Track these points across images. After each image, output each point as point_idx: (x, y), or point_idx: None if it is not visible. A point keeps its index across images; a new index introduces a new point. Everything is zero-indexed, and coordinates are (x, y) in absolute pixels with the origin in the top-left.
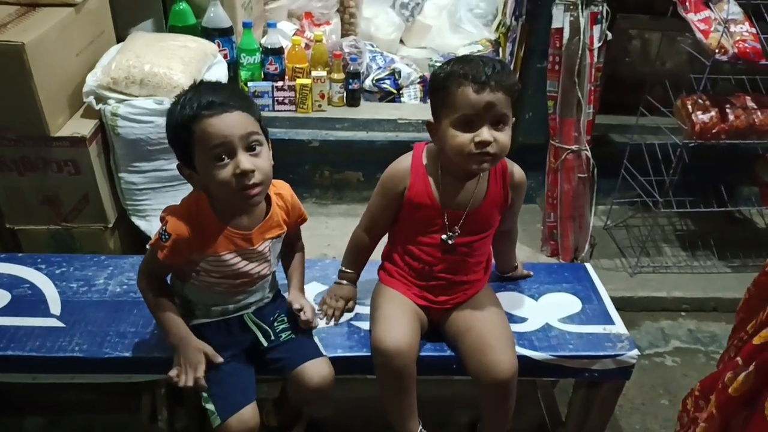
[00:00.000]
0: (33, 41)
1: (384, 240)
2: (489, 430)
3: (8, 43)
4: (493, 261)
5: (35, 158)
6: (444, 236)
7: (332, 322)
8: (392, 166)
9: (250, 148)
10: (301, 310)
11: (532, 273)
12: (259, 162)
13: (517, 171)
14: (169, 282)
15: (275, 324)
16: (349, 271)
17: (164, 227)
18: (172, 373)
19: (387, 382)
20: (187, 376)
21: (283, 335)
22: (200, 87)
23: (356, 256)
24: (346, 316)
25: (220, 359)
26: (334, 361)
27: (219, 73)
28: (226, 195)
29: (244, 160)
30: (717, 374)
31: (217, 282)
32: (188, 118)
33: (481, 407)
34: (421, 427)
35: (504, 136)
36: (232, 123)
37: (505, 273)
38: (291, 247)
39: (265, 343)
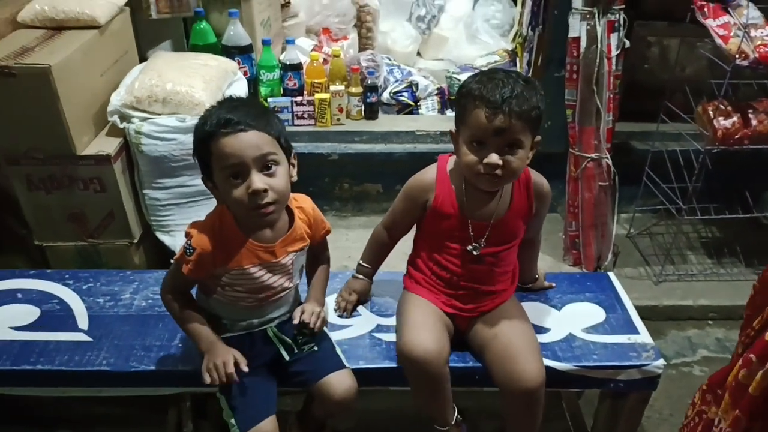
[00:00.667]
0: (59, 63)
1: (409, 247)
2: None
3: (36, 66)
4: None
5: (62, 176)
6: (469, 247)
7: (345, 315)
8: (417, 177)
9: (265, 167)
10: (302, 316)
11: (554, 285)
12: (273, 181)
13: (540, 181)
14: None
15: (298, 337)
16: (366, 265)
17: (189, 242)
18: (206, 377)
19: (419, 387)
20: (219, 374)
21: (306, 347)
22: (223, 103)
23: (375, 251)
24: (367, 321)
25: (246, 368)
26: (356, 372)
27: (239, 90)
28: (240, 212)
29: (257, 180)
30: (726, 369)
31: (241, 296)
32: (207, 135)
33: (507, 420)
34: (456, 414)
35: (516, 160)
36: (246, 143)
37: (526, 284)
38: (316, 258)
39: (287, 357)
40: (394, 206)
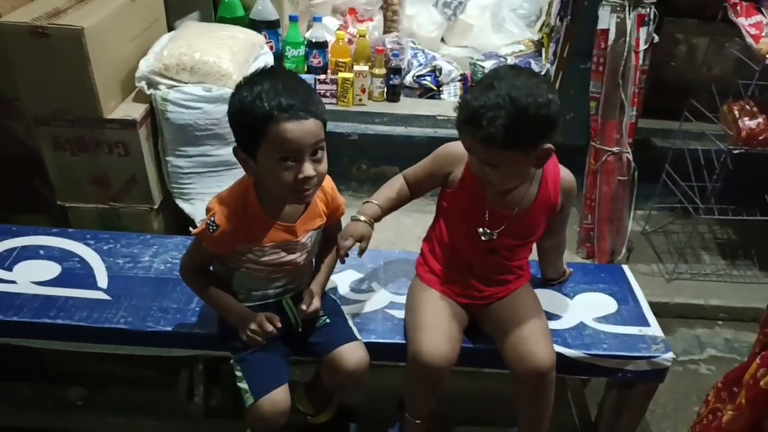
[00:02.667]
0: (91, 26)
1: (423, 230)
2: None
3: (69, 28)
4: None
5: (89, 139)
6: (480, 230)
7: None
8: (451, 144)
9: (315, 153)
10: (309, 305)
11: (572, 270)
12: (320, 167)
13: (568, 177)
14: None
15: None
16: (373, 202)
17: (212, 218)
18: (250, 341)
19: (417, 387)
20: (261, 335)
21: (320, 320)
22: (277, 81)
23: (387, 193)
24: (381, 297)
25: (279, 323)
26: (367, 346)
27: (265, 64)
28: (280, 192)
29: (309, 168)
30: (743, 366)
31: (258, 269)
32: (265, 116)
33: (519, 405)
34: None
35: (497, 173)
36: (306, 131)
37: (553, 281)
38: (328, 239)
39: (300, 329)
40: (420, 163)
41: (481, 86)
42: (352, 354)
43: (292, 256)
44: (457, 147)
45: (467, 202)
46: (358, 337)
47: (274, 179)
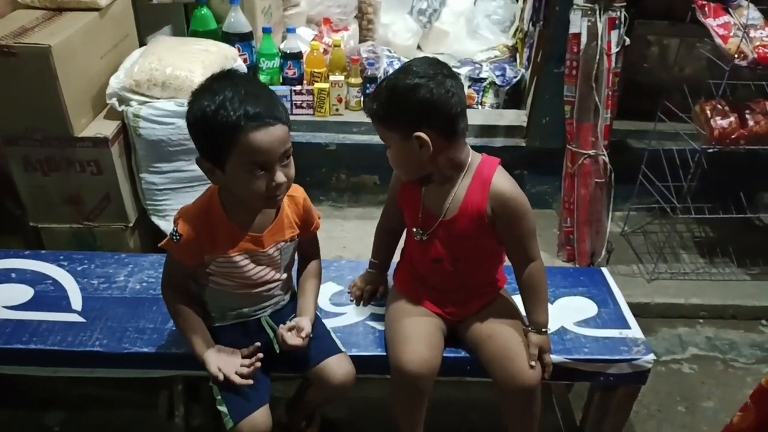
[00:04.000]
0: (59, 44)
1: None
2: None
3: (35, 46)
4: (505, 277)
5: (59, 158)
6: (414, 229)
7: (360, 304)
8: None
9: (284, 159)
10: (294, 339)
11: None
12: (289, 172)
13: (501, 182)
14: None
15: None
16: (374, 260)
17: (175, 228)
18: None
19: (402, 400)
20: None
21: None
22: (239, 87)
23: (377, 245)
24: (361, 310)
25: (260, 356)
26: None
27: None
28: (251, 200)
29: (281, 175)
30: None
31: (230, 284)
32: (231, 125)
33: (507, 419)
34: None
35: (390, 156)
36: (275, 139)
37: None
38: (306, 255)
39: (278, 350)
40: (386, 198)
41: None
42: (339, 366)
43: (259, 269)
44: None
45: (408, 205)
46: (343, 349)
47: (245, 189)
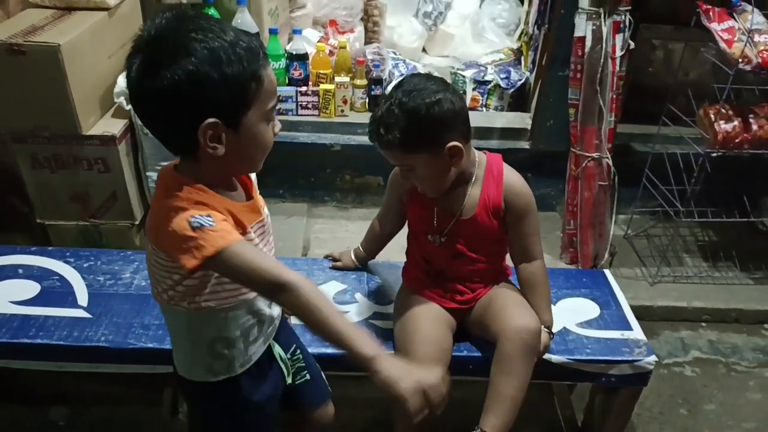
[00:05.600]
0: (68, 43)
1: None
2: (496, 409)
3: (45, 45)
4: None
5: (67, 156)
6: (430, 237)
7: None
8: (395, 169)
9: None
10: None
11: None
12: None
13: (514, 178)
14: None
15: (294, 360)
16: (360, 249)
17: (196, 220)
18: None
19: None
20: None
21: (299, 377)
22: (226, 28)
23: (368, 239)
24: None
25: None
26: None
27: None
28: (256, 161)
29: (277, 120)
30: None
31: (236, 291)
32: (257, 65)
33: (494, 373)
34: None
35: (416, 178)
36: (272, 71)
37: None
38: None
39: (289, 380)
40: (384, 197)
41: (383, 98)
42: (328, 412)
43: (267, 246)
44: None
45: (418, 210)
46: (330, 389)
47: (262, 143)
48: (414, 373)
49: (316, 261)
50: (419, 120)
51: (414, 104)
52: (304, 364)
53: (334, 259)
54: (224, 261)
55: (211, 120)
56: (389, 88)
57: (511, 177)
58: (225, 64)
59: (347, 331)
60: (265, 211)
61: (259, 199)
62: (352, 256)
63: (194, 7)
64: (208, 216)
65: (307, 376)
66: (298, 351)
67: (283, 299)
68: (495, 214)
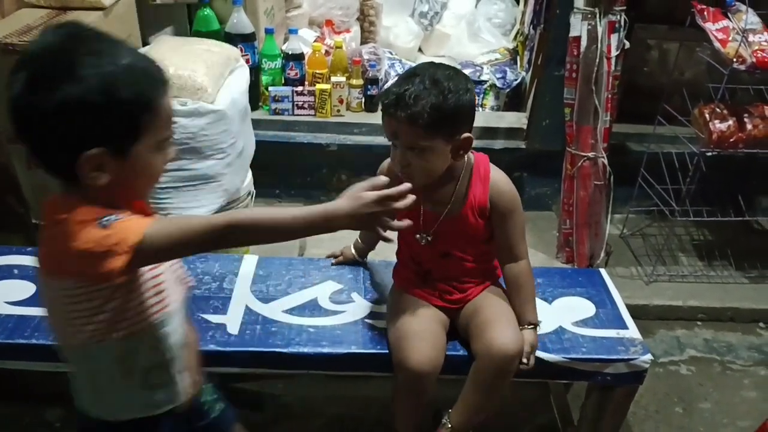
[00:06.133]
0: None
1: None
2: (464, 410)
3: None
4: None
5: None
6: (417, 235)
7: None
8: (384, 162)
9: None
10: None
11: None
12: None
13: (499, 178)
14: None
15: (205, 394)
16: (359, 241)
17: (106, 218)
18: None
19: (404, 397)
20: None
21: (215, 408)
22: (123, 51)
23: (364, 235)
24: (360, 308)
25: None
26: (348, 358)
27: (241, 77)
28: (145, 190)
29: (172, 148)
30: None
31: (163, 290)
32: (153, 93)
33: (469, 385)
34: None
35: (420, 162)
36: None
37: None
38: None
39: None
40: None
41: (402, 77)
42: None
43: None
44: (388, 161)
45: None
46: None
47: (149, 173)
48: (361, 193)
49: (313, 260)
50: (450, 101)
51: (447, 85)
52: (215, 396)
53: (335, 257)
54: (153, 241)
55: (95, 150)
56: (385, 88)
57: (498, 177)
58: (116, 92)
59: (301, 212)
60: None
61: None
62: (352, 249)
63: (188, 6)
64: (113, 215)
65: (222, 406)
66: (210, 383)
67: (233, 239)
68: (481, 214)
